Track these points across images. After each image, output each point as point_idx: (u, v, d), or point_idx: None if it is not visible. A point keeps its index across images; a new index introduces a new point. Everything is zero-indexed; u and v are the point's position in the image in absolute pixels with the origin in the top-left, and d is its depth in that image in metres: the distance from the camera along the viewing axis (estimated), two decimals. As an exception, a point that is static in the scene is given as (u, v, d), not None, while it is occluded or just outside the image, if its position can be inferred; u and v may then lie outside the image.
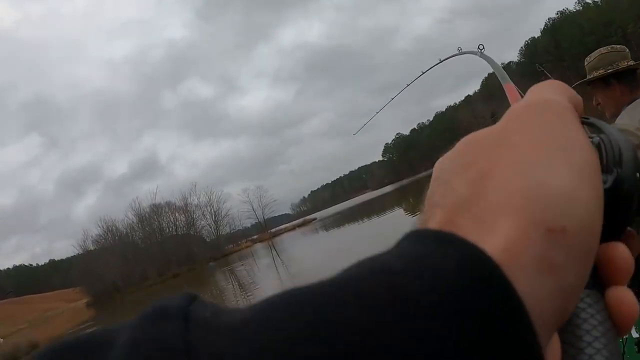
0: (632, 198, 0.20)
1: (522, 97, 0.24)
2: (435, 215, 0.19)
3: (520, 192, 0.18)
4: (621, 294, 0.19)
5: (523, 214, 0.17)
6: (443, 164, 0.21)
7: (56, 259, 61.78)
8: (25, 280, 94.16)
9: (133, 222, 61.31)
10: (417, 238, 0.17)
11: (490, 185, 0.18)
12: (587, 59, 1.98)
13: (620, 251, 0.19)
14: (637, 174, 0.20)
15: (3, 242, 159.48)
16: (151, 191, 67.71)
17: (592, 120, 0.23)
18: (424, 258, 0.16)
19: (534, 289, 0.16)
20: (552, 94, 0.22)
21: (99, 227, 60.16)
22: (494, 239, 0.17)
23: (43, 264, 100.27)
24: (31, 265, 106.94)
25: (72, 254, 61.28)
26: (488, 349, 0.14)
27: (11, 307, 76.96)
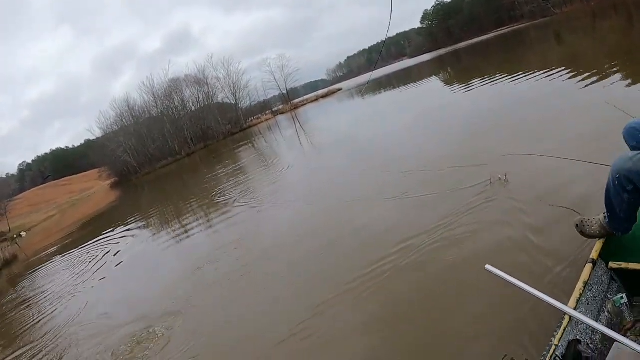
0: None
1: None
2: None
3: None
4: None
5: None
6: None
7: (91, 139, 58.93)
8: (63, 162, 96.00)
9: (148, 101, 57.08)
10: None
11: None
12: None
13: None
14: None
15: (47, 127, 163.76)
16: (164, 67, 61.92)
17: None
18: None
19: None
20: None
21: (114, 108, 56.62)
22: None
23: (79, 145, 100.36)
24: (67, 147, 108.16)
25: (104, 134, 57.98)
26: None
27: (49, 190, 79.04)
